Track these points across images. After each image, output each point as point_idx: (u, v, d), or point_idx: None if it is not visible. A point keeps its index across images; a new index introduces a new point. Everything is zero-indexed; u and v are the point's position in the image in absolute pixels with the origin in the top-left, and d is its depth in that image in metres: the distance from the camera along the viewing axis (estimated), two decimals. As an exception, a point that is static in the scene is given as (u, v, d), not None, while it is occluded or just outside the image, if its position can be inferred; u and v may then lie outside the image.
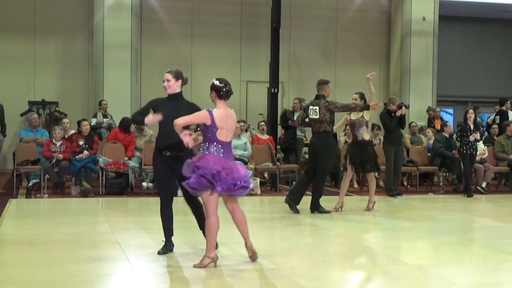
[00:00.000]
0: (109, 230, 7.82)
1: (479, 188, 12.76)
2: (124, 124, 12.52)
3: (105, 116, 14.24)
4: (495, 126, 14.89)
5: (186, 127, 5.88)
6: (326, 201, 9.64)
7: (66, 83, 16.46)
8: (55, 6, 16.39)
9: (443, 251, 7.05)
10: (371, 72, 10.08)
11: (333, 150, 9.77)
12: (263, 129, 13.65)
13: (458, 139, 12.31)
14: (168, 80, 6.16)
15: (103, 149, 12.18)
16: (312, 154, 9.56)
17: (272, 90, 15.00)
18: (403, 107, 11.48)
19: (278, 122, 14.59)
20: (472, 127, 12.08)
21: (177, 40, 17.01)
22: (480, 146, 13.07)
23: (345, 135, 13.89)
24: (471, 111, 12.28)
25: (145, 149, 11.91)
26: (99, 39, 15.55)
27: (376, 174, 11.37)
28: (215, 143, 5.69)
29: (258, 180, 12.15)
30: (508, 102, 15.89)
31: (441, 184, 13.24)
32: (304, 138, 14.17)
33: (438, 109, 16.79)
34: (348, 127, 10.62)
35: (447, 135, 13.34)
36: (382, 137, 13.07)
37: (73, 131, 12.44)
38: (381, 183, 12.74)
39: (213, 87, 5.81)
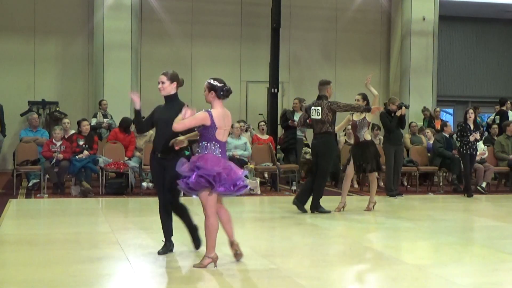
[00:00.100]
0: (109, 230, 7.82)
1: (479, 188, 12.76)
2: (124, 124, 12.53)
3: (105, 116, 14.24)
4: (495, 126, 14.89)
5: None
6: (326, 201, 9.64)
7: (66, 83, 16.46)
8: (55, 6, 16.39)
9: (443, 251, 7.05)
10: (371, 72, 10.10)
11: (334, 151, 9.77)
12: (263, 129, 13.64)
13: (458, 139, 12.32)
14: (162, 82, 6.17)
15: (103, 149, 12.18)
16: (314, 155, 9.60)
17: (272, 90, 15.00)
18: (403, 107, 11.48)
19: (278, 122, 14.58)
20: (472, 127, 12.08)
21: (177, 40, 17.01)
22: (480, 146, 13.07)
23: (345, 135, 13.90)
24: (471, 111, 12.29)
25: (145, 149, 11.91)
26: (99, 39, 15.55)
27: (376, 174, 11.36)
28: (213, 142, 5.68)
29: (258, 180, 12.15)
30: (508, 102, 15.89)
31: (441, 184, 13.24)
32: (304, 138, 14.17)
33: (438, 109, 16.79)
34: (348, 127, 10.63)
35: (447, 135, 13.34)
36: (382, 137, 13.07)
37: (73, 131, 12.44)
38: (381, 183, 12.73)
39: (212, 87, 5.78)
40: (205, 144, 5.68)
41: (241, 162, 11.65)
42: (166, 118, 6.09)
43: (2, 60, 16.08)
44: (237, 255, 6.00)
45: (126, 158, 12.02)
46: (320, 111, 9.32)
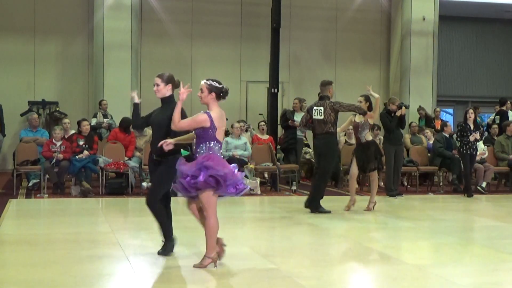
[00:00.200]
0: (109, 230, 7.82)
1: (479, 188, 12.77)
2: (124, 124, 12.53)
3: (105, 116, 14.25)
4: (495, 126, 14.89)
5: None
6: (326, 201, 9.64)
7: (66, 83, 16.46)
8: (55, 6, 16.39)
9: (443, 251, 7.05)
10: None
11: (336, 151, 9.78)
12: (263, 129, 13.64)
13: (458, 139, 12.32)
14: (157, 85, 6.17)
15: (103, 149, 12.18)
16: (317, 155, 9.64)
17: (272, 90, 15.00)
18: (403, 107, 11.49)
19: (278, 122, 14.58)
20: (472, 127, 12.09)
21: (177, 40, 17.01)
22: (480, 146, 13.07)
23: (345, 135, 13.89)
24: (471, 111, 12.29)
25: (145, 149, 11.91)
26: (99, 39, 15.55)
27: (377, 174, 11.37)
28: (215, 142, 5.68)
29: (258, 180, 12.15)
30: (508, 102, 15.90)
31: (441, 184, 13.25)
32: (304, 138, 14.18)
33: (438, 109, 16.79)
34: (349, 127, 10.64)
35: (447, 135, 13.35)
36: (382, 137, 13.07)
37: (73, 131, 12.44)
38: (381, 183, 12.73)
39: (213, 89, 5.74)
40: (208, 145, 5.67)
41: (241, 162, 11.64)
42: (159, 120, 6.16)
43: (2, 60, 16.08)
44: (219, 254, 5.89)
45: (126, 158, 12.02)
46: (322, 111, 9.34)
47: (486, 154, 13.41)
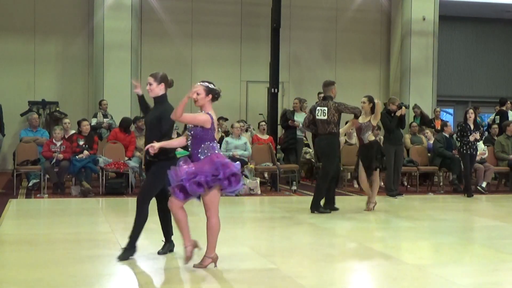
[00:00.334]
0: (109, 230, 7.82)
1: (479, 188, 12.77)
2: (124, 124, 12.54)
3: (105, 116, 14.25)
4: (495, 126, 14.89)
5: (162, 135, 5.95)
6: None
7: (66, 83, 16.46)
8: (55, 6, 16.39)
9: (443, 251, 7.05)
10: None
11: (338, 152, 9.79)
12: (263, 129, 13.64)
13: (458, 139, 12.32)
14: (150, 84, 6.14)
15: (103, 149, 12.18)
16: (319, 155, 9.68)
17: (272, 90, 15.00)
18: (403, 107, 11.49)
19: (278, 122, 14.59)
20: (472, 127, 12.09)
21: (177, 40, 17.01)
22: (480, 146, 13.07)
23: (345, 135, 13.89)
24: (471, 111, 12.29)
25: (145, 149, 11.89)
26: (99, 39, 15.55)
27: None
28: (214, 142, 5.70)
29: (258, 180, 12.15)
30: (508, 102, 15.90)
31: (441, 184, 13.25)
32: (304, 138, 14.18)
33: (438, 109, 16.78)
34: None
35: (447, 135, 13.34)
36: (382, 137, 13.07)
37: (73, 131, 12.44)
38: (381, 183, 12.73)
39: (210, 90, 5.70)
40: (210, 144, 5.66)
41: (241, 162, 11.61)
42: (150, 120, 6.18)
43: (2, 60, 16.08)
44: (187, 259, 5.79)
45: (126, 158, 12.02)
46: (326, 112, 9.37)
47: (486, 154, 13.41)
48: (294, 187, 12.56)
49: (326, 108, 9.40)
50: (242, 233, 8.20)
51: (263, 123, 13.90)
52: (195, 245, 5.81)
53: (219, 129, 13.83)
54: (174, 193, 5.66)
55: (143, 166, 11.65)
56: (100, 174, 11.73)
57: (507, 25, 20.81)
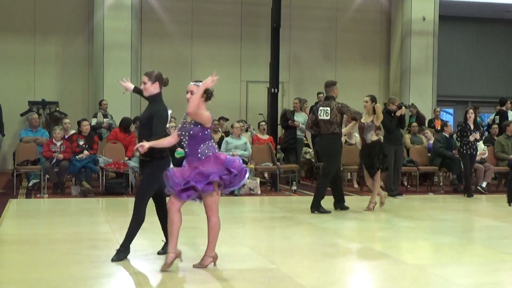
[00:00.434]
0: (109, 230, 7.82)
1: (479, 188, 12.77)
2: (124, 124, 12.54)
3: (105, 116, 14.25)
4: (495, 126, 14.90)
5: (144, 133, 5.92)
6: (327, 201, 9.64)
7: (66, 83, 16.47)
8: (55, 6, 16.39)
9: (443, 251, 7.05)
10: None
11: (339, 152, 9.80)
12: (263, 129, 13.63)
13: (458, 139, 12.32)
14: (144, 83, 6.12)
15: (103, 149, 12.19)
16: (322, 155, 9.74)
17: (272, 90, 15.00)
18: (403, 107, 11.49)
19: (278, 122, 14.59)
20: (472, 127, 12.09)
21: (177, 40, 17.01)
22: (480, 146, 13.08)
23: (345, 135, 13.88)
24: (471, 111, 12.29)
25: (145, 149, 11.89)
26: (99, 39, 15.56)
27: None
28: (212, 141, 5.70)
29: (258, 180, 12.16)
30: (508, 102, 15.90)
31: (441, 184, 13.25)
32: (304, 138, 14.18)
33: (438, 109, 16.78)
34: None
35: (447, 135, 13.35)
36: (382, 137, 13.06)
37: (73, 131, 12.45)
38: (381, 183, 12.73)
39: (205, 91, 5.69)
40: (209, 144, 5.66)
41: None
42: (142, 118, 6.16)
43: (2, 60, 16.08)
44: (167, 265, 5.66)
45: (126, 158, 12.02)
46: (329, 112, 9.39)
47: (486, 154, 13.41)
48: (294, 187, 12.56)
49: (328, 108, 9.43)
50: (242, 233, 8.20)
51: (263, 123, 13.90)
52: (178, 255, 5.68)
53: (219, 129, 13.84)
54: (178, 195, 5.60)
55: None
56: (100, 174, 11.73)
57: (507, 25, 20.81)
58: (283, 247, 7.21)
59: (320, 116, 9.51)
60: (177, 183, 5.57)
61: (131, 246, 6.15)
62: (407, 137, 13.97)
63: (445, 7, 18.28)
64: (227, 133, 13.46)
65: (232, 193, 11.40)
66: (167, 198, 5.77)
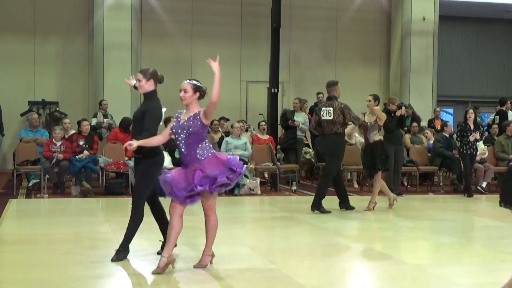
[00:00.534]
0: (109, 230, 7.82)
1: (479, 188, 12.77)
2: (124, 124, 12.53)
3: (105, 116, 14.25)
4: (495, 126, 14.89)
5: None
6: (327, 201, 9.63)
7: (66, 83, 16.46)
8: (55, 6, 16.39)
9: (443, 251, 7.05)
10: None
11: (343, 152, 9.81)
12: (263, 129, 13.63)
13: (458, 139, 12.32)
14: (139, 80, 6.10)
15: (103, 149, 12.18)
16: (325, 154, 9.77)
17: (272, 90, 15.00)
18: (403, 107, 11.50)
19: (278, 122, 14.59)
20: (472, 127, 12.09)
21: (177, 40, 17.01)
22: (480, 146, 13.08)
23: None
24: (471, 111, 12.29)
25: (145, 149, 11.89)
26: (99, 39, 15.56)
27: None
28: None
29: (258, 180, 12.15)
30: (508, 102, 15.90)
31: (441, 184, 13.24)
32: (304, 138, 14.18)
33: (438, 109, 16.78)
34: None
35: (447, 135, 13.35)
36: (382, 137, 13.06)
37: (73, 131, 12.45)
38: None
39: (198, 89, 5.64)
40: (204, 144, 5.63)
41: (241, 162, 11.63)
42: (135, 116, 6.14)
43: (2, 60, 16.08)
44: (161, 269, 5.58)
45: (126, 158, 12.02)
46: (332, 112, 9.41)
47: (486, 154, 13.41)
48: (294, 187, 12.56)
49: (331, 109, 9.45)
50: (242, 233, 8.20)
51: (263, 123, 13.90)
52: (171, 262, 5.61)
53: (220, 129, 13.83)
54: (183, 201, 5.55)
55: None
56: (100, 174, 11.73)
57: (507, 25, 20.81)
58: (283, 247, 7.21)
59: (323, 116, 9.53)
60: (181, 189, 5.50)
61: (131, 246, 6.15)
62: (407, 137, 13.97)
63: (445, 7, 18.28)
64: (227, 133, 13.46)
65: (232, 193, 11.41)
66: (167, 199, 5.76)
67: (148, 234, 7.17)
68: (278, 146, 14.00)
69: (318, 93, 14.98)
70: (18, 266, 5.97)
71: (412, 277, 5.75)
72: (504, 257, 6.70)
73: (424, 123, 15.91)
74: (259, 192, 11.98)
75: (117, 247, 6.13)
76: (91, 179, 11.74)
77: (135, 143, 5.65)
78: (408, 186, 13.58)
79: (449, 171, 13.39)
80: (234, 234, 7.73)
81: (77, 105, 16.27)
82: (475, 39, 20.79)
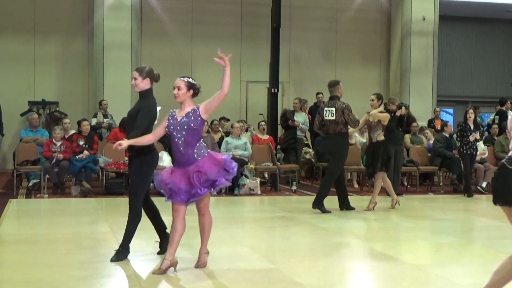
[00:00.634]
0: (109, 230, 7.82)
1: (479, 188, 12.77)
2: (124, 124, 12.49)
3: (105, 116, 14.24)
4: (495, 126, 14.90)
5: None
6: (327, 201, 9.63)
7: (66, 83, 16.46)
8: (55, 6, 16.39)
9: (443, 251, 7.05)
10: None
11: (346, 152, 9.81)
12: (263, 129, 13.63)
13: (458, 139, 12.32)
14: (135, 78, 6.07)
15: (103, 149, 12.18)
16: (328, 154, 9.80)
17: (272, 90, 15.00)
18: (403, 107, 11.49)
19: (278, 122, 14.59)
20: (472, 127, 12.09)
21: (177, 40, 17.01)
22: (480, 146, 13.08)
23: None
24: (471, 111, 12.29)
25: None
26: (99, 39, 15.56)
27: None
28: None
29: (258, 180, 12.15)
30: (508, 102, 15.89)
31: (441, 184, 13.24)
32: (304, 138, 14.18)
33: (438, 109, 16.78)
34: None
35: (447, 135, 13.35)
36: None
37: (73, 131, 12.44)
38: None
39: (192, 86, 5.62)
40: (202, 144, 5.63)
41: (241, 162, 11.64)
42: (130, 113, 6.11)
43: (2, 60, 16.09)
44: (162, 270, 5.56)
45: (126, 158, 11.99)
46: (334, 112, 9.43)
47: (486, 154, 13.42)
48: (294, 187, 12.56)
49: (333, 109, 9.46)
50: (242, 233, 8.20)
51: (263, 123, 13.90)
52: (174, 264, 5.60)
53: (220, 129, 13.83)
54: (185, 202, 5.53)
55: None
56: (100, 174, 11.73)
57: (507, 25, 20.81)
58: (283, 247, 7.21)
59: (325, 116, 9.55)
60: (183, 191, 5.46)
61: (131, 246, 6.14)
62: (407, 137, 13.96)
63: (445, 7, 18.29)
64: (227, 133, 13.46)
65: (232, 193, 11.41)
66: (167, 199, 5.74)
67: (148, 235, 7.17)
68: (278, 146, 14.00)
69: (318, 93, 14.98)
70: (18, 266, 5.97)
71: (412, 277, 5.75)
72: (504, 257, 6.69)
73: (424, 123, 15.93)
74: (259, 192, 11.98)
75: (117, 247, 6.13)
76: (91, 179, 11.74)
77: (124, 143, 5.61)
78: (408, 186, 13.58)
79: (449, 171, 13.38)
80: (234, 234, 7.73)
81: (77, 105, 16.27)
82: (475, 39, 20.79)
